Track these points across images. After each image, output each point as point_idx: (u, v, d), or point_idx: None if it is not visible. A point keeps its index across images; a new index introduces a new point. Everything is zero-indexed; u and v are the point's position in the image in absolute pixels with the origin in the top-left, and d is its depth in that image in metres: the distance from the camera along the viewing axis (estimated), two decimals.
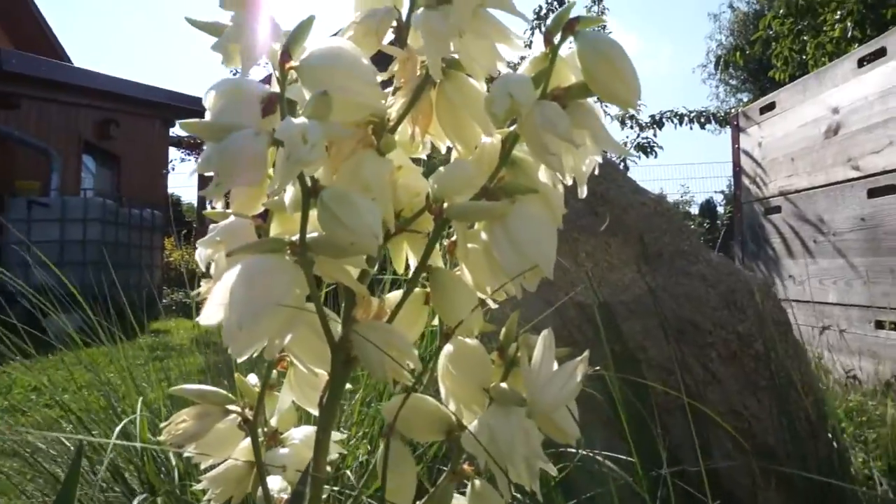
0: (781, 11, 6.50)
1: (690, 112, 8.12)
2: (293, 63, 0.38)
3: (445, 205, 0.42)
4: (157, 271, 7.60)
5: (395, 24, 0.47)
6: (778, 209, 3.64)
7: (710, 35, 19.54)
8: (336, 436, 0.58)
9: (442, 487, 0.43)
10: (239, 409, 0.49)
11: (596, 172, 0.51)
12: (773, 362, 0.83)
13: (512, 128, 0.44)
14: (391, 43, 0.48)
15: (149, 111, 9.13)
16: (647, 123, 8.05)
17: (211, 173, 0.36)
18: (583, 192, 0.44)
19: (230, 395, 0.49)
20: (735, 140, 4.17)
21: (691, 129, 8.02)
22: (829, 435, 0.81)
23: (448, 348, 0.47)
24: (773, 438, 0.80)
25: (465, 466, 0.45)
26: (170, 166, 10.21)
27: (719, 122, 8.22)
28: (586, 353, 0.40)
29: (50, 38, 10.10)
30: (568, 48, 0.44)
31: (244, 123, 0.35)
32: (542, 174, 0.43)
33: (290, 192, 0.42)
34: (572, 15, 0.42)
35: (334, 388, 0.45)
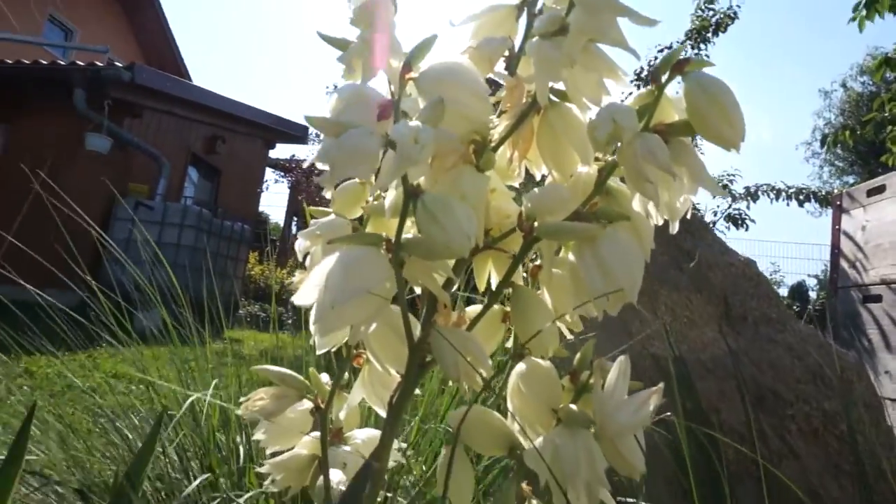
0: None
1: (790, 188, 7.80)
2: (413, 74, 0.41)
3: (536, 223, 0.43)
4: (238, 282, 7.94)
5: (507, 52, 0.50)
6: (879, 298, 3.40)
7: (818, 112, 18.79)
8: (396, 444, 0.59)
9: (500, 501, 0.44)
10: (313, 398, 0.51)
11: (688, 216, 0.51)
12: (859, 445, 0.78)
13: (610, 158, 0.45)
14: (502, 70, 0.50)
15: (253, 131, 9.70)
16: (740, 195, 7.80)
17: (322, 167, 0.39)
18: (674, 228, 0.44)
19: (307, 382, 0.51)
20: (836, 221, 3.96)
21: (788, 205, 7.69)
22: None
23: (520, 367, 0.48)
24: None
25: (525, 486, 0.45)
26: (264, 185, 10.75)
27: (820, 201, 7.84)
28: (661, 385, 0.39)
29: (175, 54, 11.01)
30: (675, 93, 0.45)
31: (361, 123, 0.38)
32: (636, 204, 0.44)
33: (391, 197, 0.45)
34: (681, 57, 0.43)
35: (406, 387, 0.46)
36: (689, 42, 7.70)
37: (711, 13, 7.48)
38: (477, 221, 0.43)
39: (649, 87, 0.43)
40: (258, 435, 0.57)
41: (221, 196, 9.34)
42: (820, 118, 18.55)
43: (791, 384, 0.85)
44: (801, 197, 7.71)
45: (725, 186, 7.64)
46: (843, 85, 17.86)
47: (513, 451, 0.46)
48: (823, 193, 7.89)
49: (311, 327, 0.38)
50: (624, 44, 0.44)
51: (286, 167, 11.07)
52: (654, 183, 0.38)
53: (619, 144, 0.40)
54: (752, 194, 7.71)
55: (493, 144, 0.47)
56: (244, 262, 8.19)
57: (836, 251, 3.91)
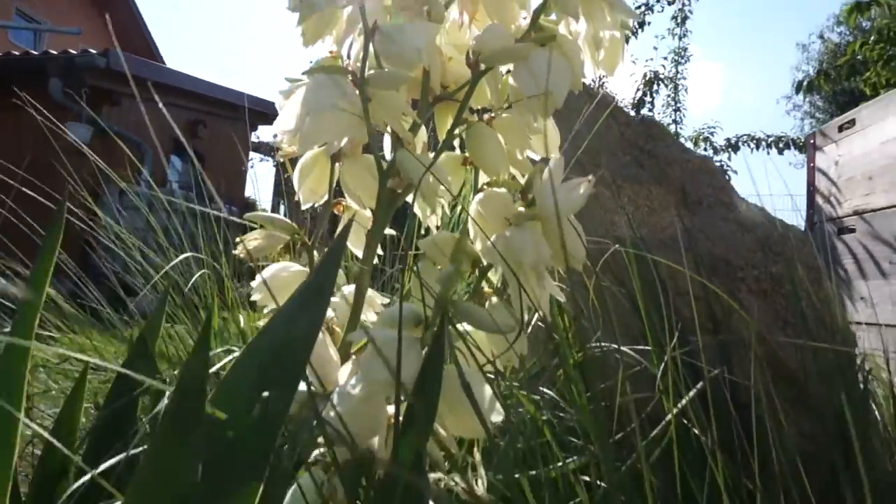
0: (872, 38, 6.27)
1: (769, 136, 7.89)
2: None
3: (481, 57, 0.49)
4: (232, 262, 7.97)
5: None
6: (852, 229, 3.52)
7: (796, 66, 18.83)
8: (379, 299, 0.66)
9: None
10: (302, 237, 0.58)
11: (622, 62, 0.57)
12: (802, 301, 0.86)
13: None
14: None
15: (234, 114, 9.66)
16: (721, 147, 7.89)
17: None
18: (599, 55, 0.51)
19: (293, 225, 0.58)
20: (811, 159, 4.06)
21: (768, 153, 7.78)
22: (858, 375, 0.83)
23: (479, 196, 0.54)
24: (800, 370, 0.83)
25: (486, 288, 0.52)
26: (249, 164, 10.71)
27: (799, 148, 7.94)
28: (591, 176, 0.46)
29: (148, 41, 10.89)
30: None
31: None
32: (562, 28, 0.51)
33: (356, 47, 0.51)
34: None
35: (379, 218, 0.53)
36: None
37: None
38: (431, 62, 0.50)
39: None
40: (255, 296, 0.64)
41: (207, 181, 9.32)
42: (799, 71, 18.59)
43: (742, 253, 0.92)
44: (781, 145, 7.80)
45: (706, 139, 7.73)
46: (821, 36, 17.90)
47: (475, 265, 0.53)
48: (802, 141, 7.99)
49: (291, 142, 0.44)
50: None
51: (268, 148, 11.05)
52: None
53: None
54: (732, 145, 7.80)
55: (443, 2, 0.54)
56: (232, 245, 8.21)
57: (811, 188, 4.02)
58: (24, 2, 10.45)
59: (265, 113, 10.10)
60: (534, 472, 0.64)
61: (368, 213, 0.57)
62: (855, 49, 6.38)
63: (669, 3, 7.92)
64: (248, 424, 0.30)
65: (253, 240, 0.56)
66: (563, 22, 0.50)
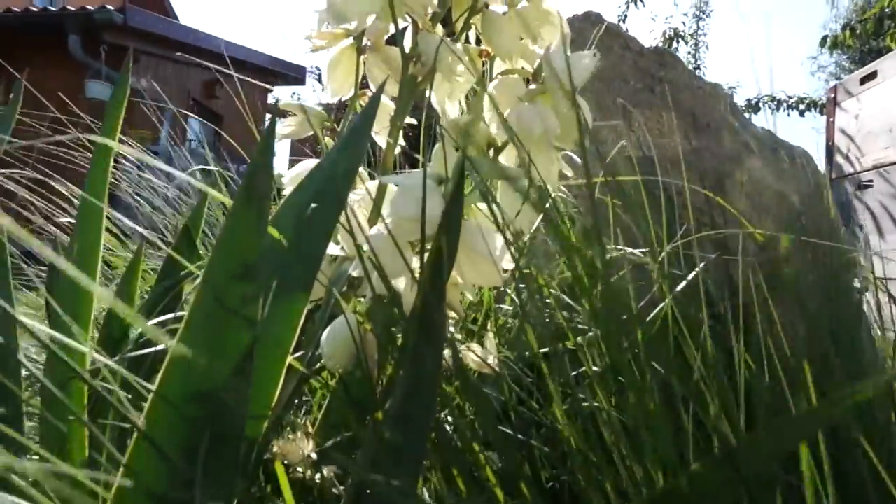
0: None
1: (790, 97, 7.76)
2: None
3: None
4: None
5: None
6: (870, 184, 3.50)
7: (824, 24, 18.25)
8: None
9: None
10: (330, 123, 0.63)
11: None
12: (804, 216, 0.90)
13: None
14: None
15: (251, 74, 9.67)
16: (742, 107, 7.78)
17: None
18: None
19: (323, 112, 0.63)
20: (831, 114, 4.01)
21: (788, 115, 7.67)
22: (855, 283, 0.88)
23: (495, 82, 0.59)
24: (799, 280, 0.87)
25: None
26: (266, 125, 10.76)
27: (821, 109, 7.80)
28: (597, 52, 0.51)
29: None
30: None
31: None
32: None
33: None
34: None
35: (402, 98, 0.58)
36: None
37: None
38: None
39: None
40: (285, 190, 0.70)
41: (224, 140, 9.39)
42: (827, 29, 18.05)
43: (746, 171, 0.96)
44: (802, 106, 7.67)
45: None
46: None
47: (490, 144, 0.58)
48: (824, 101, 7.85)
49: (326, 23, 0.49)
50: None
51: (282, 111, 11.07)
52: None
53: None
54: (752, 106, 7.68)
55: None
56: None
57: (830, 144, 3.98)
58: None
59: (282, 73, 10.11)
60: (545, 350, 0.70)
61: (390, 103, 0.62)
62: (884, 3, 6.21)
63: None
64: (300, 235, 0.36)
65: (287, 126, 0.61)
66: None
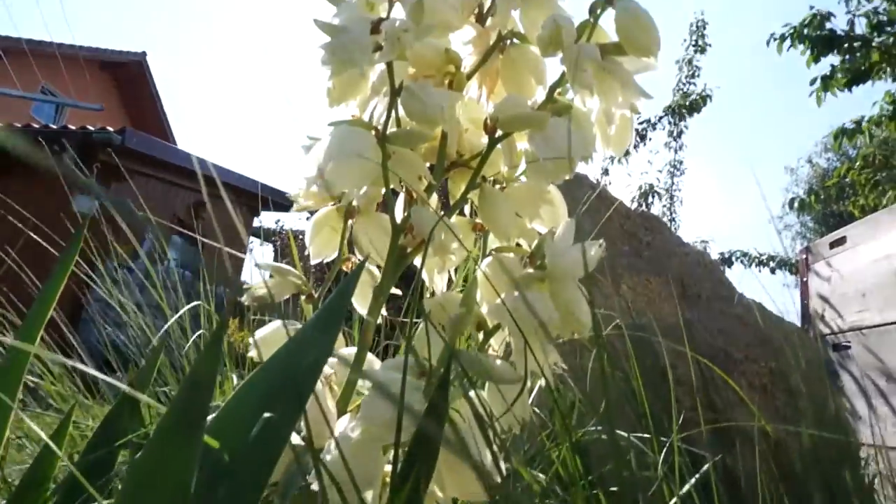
0: (858, 164, 6.55)
1: (761, 255, 8.05)
2: None
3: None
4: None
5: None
6: (848, 346, 3.51)
7: (786, 187, 19.48)
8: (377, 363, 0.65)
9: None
10: (307, 288, 0.58)
11: (630, 143, 0.60)
12: (804, 397, 0.85)
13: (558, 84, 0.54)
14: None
15: (238, 198, 9.86)
16: (715, 262, 8.02)
17: (325, 61, 0.48)
18: (611, 129, 0.53)
19: (302, 276, 0.58)
20: (804, 275, 4.12)
21: (759, 271, 7.91)
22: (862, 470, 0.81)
23: (488, 259, 0.55)
24: (800, 464, 0.80)
25: (491, 350, 0.52)
26: (249, 248, 10.81)
27: (790, 268, 8.08)
28: (602, 241, 0.47)
29: (164, 124, 11.29)
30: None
31: (358, 27, 0.47)
32: (577, 101, 0.53)
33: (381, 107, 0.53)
34: None
35: (388, 271, 0.53)
36: (667, 118, 8.14)
37: (692, 87, 7.91)
38: (450, 126, 0.52)
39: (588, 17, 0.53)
40: (251, 353, 0.63)
41: (207, 261, 9.37)
42: (788, 193, 19.21)
43: (741, 347, 0.92)
44: (773, 263, 7.95)
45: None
46: (809, 161, 18.69)
47: (480, 326, 0.53)
48: (794, 262, 8.14)
49: (313, 187, 0.46)
50: None
51: (268, 234, 11.20)
52: (589, 72, 0.47)
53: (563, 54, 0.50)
54: (725, 260, 7.94)
55: (466, 72, 0.57)
56: (225, 327, 8.12)
57: (805, 304, 4.05)
58: (50, 81, 10.94)
59: (266, 198, 10.32)
60: None
61: (376, 271, 0.57)
62: (842, 172, 6.64)
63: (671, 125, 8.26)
64: (246, 447, 0.29)
65: (261, 287, 0.56)
66: (577, 98, 0.52)
